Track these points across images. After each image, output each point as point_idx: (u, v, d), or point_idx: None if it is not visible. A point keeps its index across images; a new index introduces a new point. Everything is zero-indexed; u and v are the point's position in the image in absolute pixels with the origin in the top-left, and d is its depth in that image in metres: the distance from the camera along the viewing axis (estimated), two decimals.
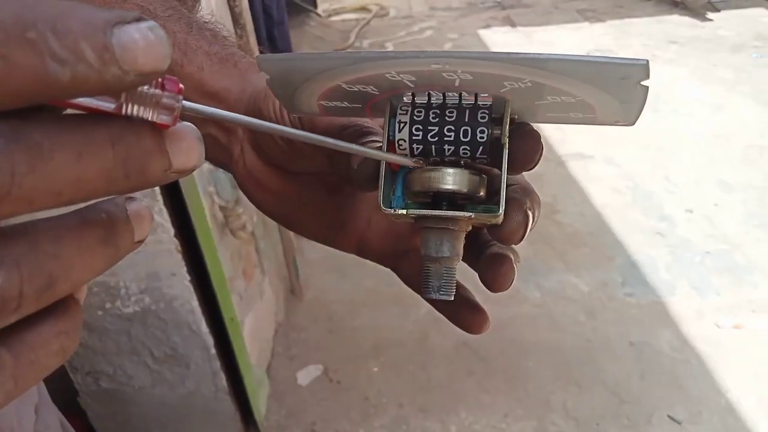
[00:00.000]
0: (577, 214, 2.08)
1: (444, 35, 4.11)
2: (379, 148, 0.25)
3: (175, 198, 0.97)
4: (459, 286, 0.28)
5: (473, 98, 0.24)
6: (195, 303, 1.04)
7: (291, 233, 1.71)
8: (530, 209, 0.24)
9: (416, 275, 0.29)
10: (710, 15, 3.88)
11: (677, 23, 3.84)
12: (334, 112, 0.26)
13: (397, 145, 0.24)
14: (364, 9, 4.76)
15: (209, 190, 1.14)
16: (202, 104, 0.29)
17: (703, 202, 2.08)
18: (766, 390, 1.41)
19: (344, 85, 0.23)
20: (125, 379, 1.12)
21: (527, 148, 0.24)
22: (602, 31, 3.86)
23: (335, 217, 0.32)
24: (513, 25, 4.17)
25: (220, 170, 1.18)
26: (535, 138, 0.24)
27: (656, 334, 1.59)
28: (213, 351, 1.11)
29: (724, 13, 3.88)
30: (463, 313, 0.29)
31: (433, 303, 0.28)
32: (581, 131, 2.63)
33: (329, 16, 4.72)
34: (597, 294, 1.74)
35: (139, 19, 0.13)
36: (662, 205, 2.09)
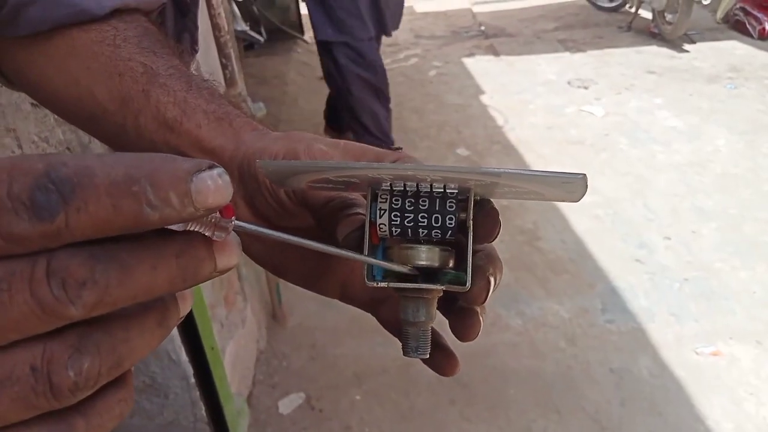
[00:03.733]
0: (558, 240, 2.11)
1: (429, 63, 4.18)
2: (362, 220, 0.29)
3: None
4: (433, 332, 0.31)
5: (442, 188, 0.28)
6: (175, 332, 1.03)
7: None
8: (492, 275, 0.28)
9: (393, 321, 0.33)
10: (686, 46, 4.00)
11: (655, 54, 3.95)
12: (320, 189, 0.30)
13: (378, 227, 0.28)
14: None
15: None
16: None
17: (681, 230, 2.12)
18: (744, 417, 1.42)
19: (332, 178, 0.27)
20: None
21: (488, 225, 0.28)
22: (582, 60, 3.96)
23: (319, 265, 0.34)
24: (496, 53, 4.26)
25: None
26: (494, 217, 0.28)
27: (636, 360, 1.60)
28: (192, 380, 1.10)
29: (699, 45, 4.00)
30: (437, 358, 0.31)
31: None
32: (562, 158, 2.67)
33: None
34: (578, 321, 1.75)
35: (211, 167, 0.16)
36: (641, 232, 2.12)
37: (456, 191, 0.28)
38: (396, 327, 0.31)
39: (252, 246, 0.35)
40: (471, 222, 0.28)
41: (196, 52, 0.42)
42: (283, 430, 1.47)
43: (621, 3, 4.88)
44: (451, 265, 0.29)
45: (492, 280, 0.28)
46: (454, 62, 4.13)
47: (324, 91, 2.88)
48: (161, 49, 0.36)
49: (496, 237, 0.29)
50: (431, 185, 0.28)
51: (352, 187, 0.29)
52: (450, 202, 0.28)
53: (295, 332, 1.76)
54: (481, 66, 4.01)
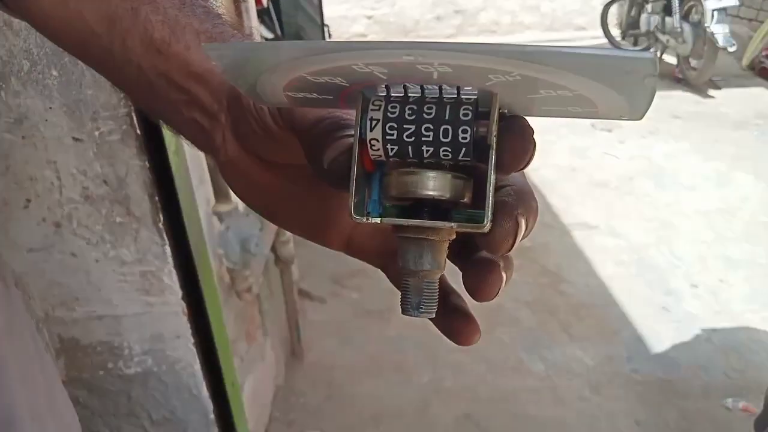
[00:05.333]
0: (582, 284, 2.08)
1: None
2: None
3: (184, 259, 0.98)
4: (450, 292, 0.26)
5: (455, 91, 0.21)
6: (197, 366, 1.03)
7: (295, 295, 1.71)
8: (522, 215, 0.22)
9: None
10: (712, 92, 3.99)
11: (680, 99, 3.95)
12: (304, 103, 0.23)
13: (369, 145, 0.21)
14: None
15: (218, 252, 1.16)
16: (187, 84, 0.29)
17: (708, 278, 2.08)
18: None
19: (308, 77, 0.21)
20: None
21: (517, 146, 0.21)
22: None
23: (320, 212, 0.30)
24: None
25: (230, 232, 1.20)
26: (526, 136, 0.21)
27: (663, 413, 1.55)
28: (212, 416, 1.09)
29: (725, 91, 3.99)
30: (452, 321, 0.26)
31: None
32: (584, 201, 2.66)
33: None
34: (602, 368, 1.71)
35: None
36: (667, 278, 2.08)
37: (475, 96, 0.21)
38: None
39: (245, 187, 0.31)
40: (494, 138, 0.20)
41: None
42: None
43: (646, 47, 4.91)
44: (466, 199, 0.22)
45: (522, 222, 0.22)
46: None
47: None
48: None
49: (527, 164, 0.22)
50: (440, 88, 0.21)
51: (344, 98, 0.22)
52: (465, 109, 0.21)
53: (313, 369, 1.74)
54: None
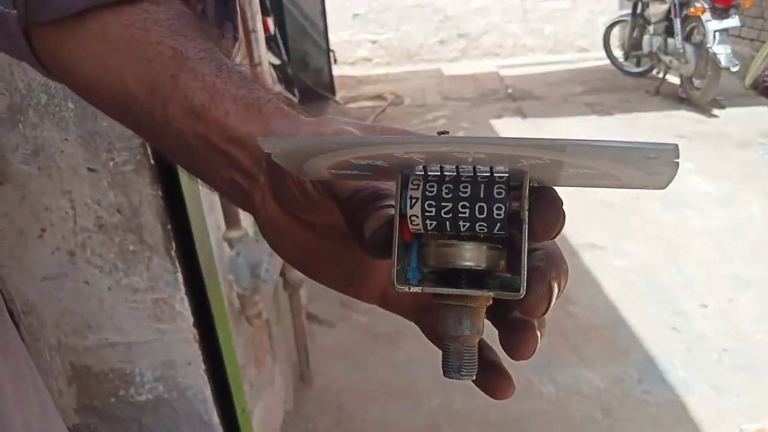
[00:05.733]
0: (590, 306, 2.07)
1: (457, 124, 4.26)
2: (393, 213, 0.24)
3: (195, 286, 0.99)
4: (484, 347, 0.27)
5: (488, 170, 0.23)
6: (208, 393, 1.03)
7: (304, 319, 1.71)
8: (555, 279, 0.23)
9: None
10: (716, 111, 4.01)
11: (684, 118, 3.97)
12: (345, 177, 0.25)
13: (409, 220, 0.23)
14: (380, 97, 4.98)
15: (228, 278, 1.17)
16: (226, 147, 0.31)
17: (717, 298, 2.07)
18: None
19: (352, 160, 0.22)
20: None
21: (548, 217, 0.23)
22: (611, 123, 3.99)
23: (356, 268, 0.31)
24: (524, 116, 4.32)
25: (240, 258, 1.21)
26: (556, 207, 0.23)
27: None
28: None
29: (729, 110, 4.01)
30: (488, 377, 0.27)
31: None
32: (592, 222, 2.66)
33: (347, 103, 4.94)
34: (613, 390, 1.70)
35: None
36: (676, 299, 2.07)
37: (506, 174, 0.23)
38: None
39: (283, 245, 0.32)
40: (526, 213, 0.22)
41: (238, 39, 0.42)
42: None
43: (648, 68, 4.95)
44: (501, 266, 0.23)
45: (555, 286, 0.23)
46: (482, 123, 4.21)
47: None
48: (193, 33, 0.33)
49: (558, 233, 0.23)
50: (474, 168, 0.23)
51: (382, 174, 0.24)
52: (498, 187, 0.22)
53: (322, 394, 1.74)
54: (508, 128, 4.07)
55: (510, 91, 5.02)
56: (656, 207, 2.77)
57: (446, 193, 0.23)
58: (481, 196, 0.22)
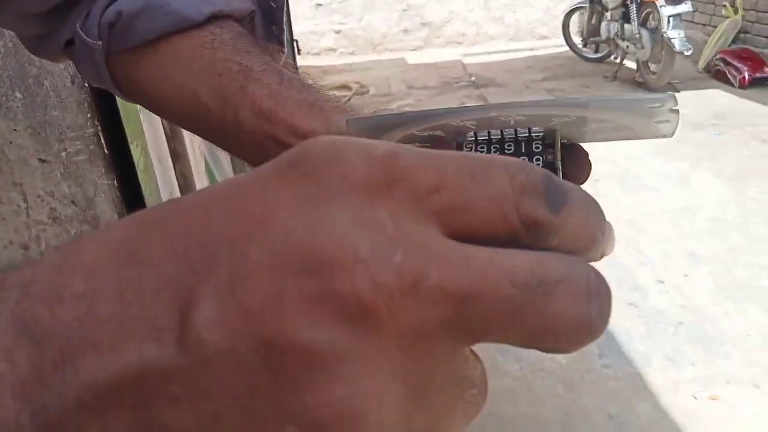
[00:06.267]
0: None
1: None
2: None
3: None
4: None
5: (527, 131, 0.27)
6: None
7: None
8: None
9: None
10: None
11: None
12: None
13: None
14: (345, 87, 4.97)
15: None
16: (295, 143, 0.34)
17: (674, 274, 2.14)
18: None
19: (417, 132, 0.27)
20: None
21: (577, 166, 0.29)
22: None
23: None
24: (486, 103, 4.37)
25: None
26: (584, 158, 0.29)
27: (634, 406, 1.59)
28: None
29: (683, 94, 4.12)
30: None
31: None
32: None
33: None
34: (575, 366, 1.75)
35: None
36: (634, 276, 2.14)
37: (541, 133, 0.27)
38: None
39: None
40: (559, 162, 0.27)
41: (284, 53, 0.46)
42: None
43: (606, 54, 5.05)
44: None
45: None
46: None
47: None
48: (254, 49, 0.39)
49: (586, 179, 0.29)
50: (515, 130, 0.27)
51: (440, 143, 0.28)
52: (536, 143, 0.27)
53: None
54: None
55: (473, 79, 5.06)
56: (616, 188, 2.84)
57: (494, 151, 0.27)
58: (523, 151, 0.27)
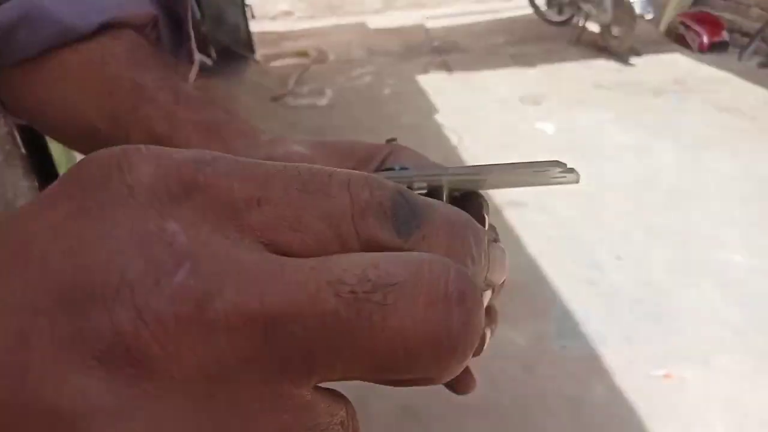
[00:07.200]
0: (514, 264, 2.07)
1: (383, 81, 4.18)
2: None
3: None
4: None
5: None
6: None
7: None
8: (487, 327, 0.26)
9: None
10: (633, 60, 4.10)
11: (603, 68, 4.04)
12: None
13: None
14: (303, 54, 4.80)
15: None
16: None
17: (632, 249, 2.15)
18: None
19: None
20: None
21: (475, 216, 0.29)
22: (533, 75, 4.02)
23: None
24: (450, 70, 4.29)
25: None
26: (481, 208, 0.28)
27: (591, 387, 1.61)
28: None
29: (644, 58, 4.11)
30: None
31: None
32: None
33: (267, 61, 4.73)
34: (533, 348, 1.76)
35: (496, 240, 0.16)
36: (593, 252, 2.15)
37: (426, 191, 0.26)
38: None
39: None
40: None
41: (194, 62, 0.43)
42: None
43: (570, 17, 4.99)
44: None
45: (488, 333, 0.26)
46: (409, 80, 4.14)
47: (278, 112, 2.84)
48: (151, 62, 0.35)
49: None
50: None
51: None
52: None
53: None
54: (435, 83, 4.03)
55: (436, 44, 4.95)
56: (576, 159, 2.82)
57: None
58: None
